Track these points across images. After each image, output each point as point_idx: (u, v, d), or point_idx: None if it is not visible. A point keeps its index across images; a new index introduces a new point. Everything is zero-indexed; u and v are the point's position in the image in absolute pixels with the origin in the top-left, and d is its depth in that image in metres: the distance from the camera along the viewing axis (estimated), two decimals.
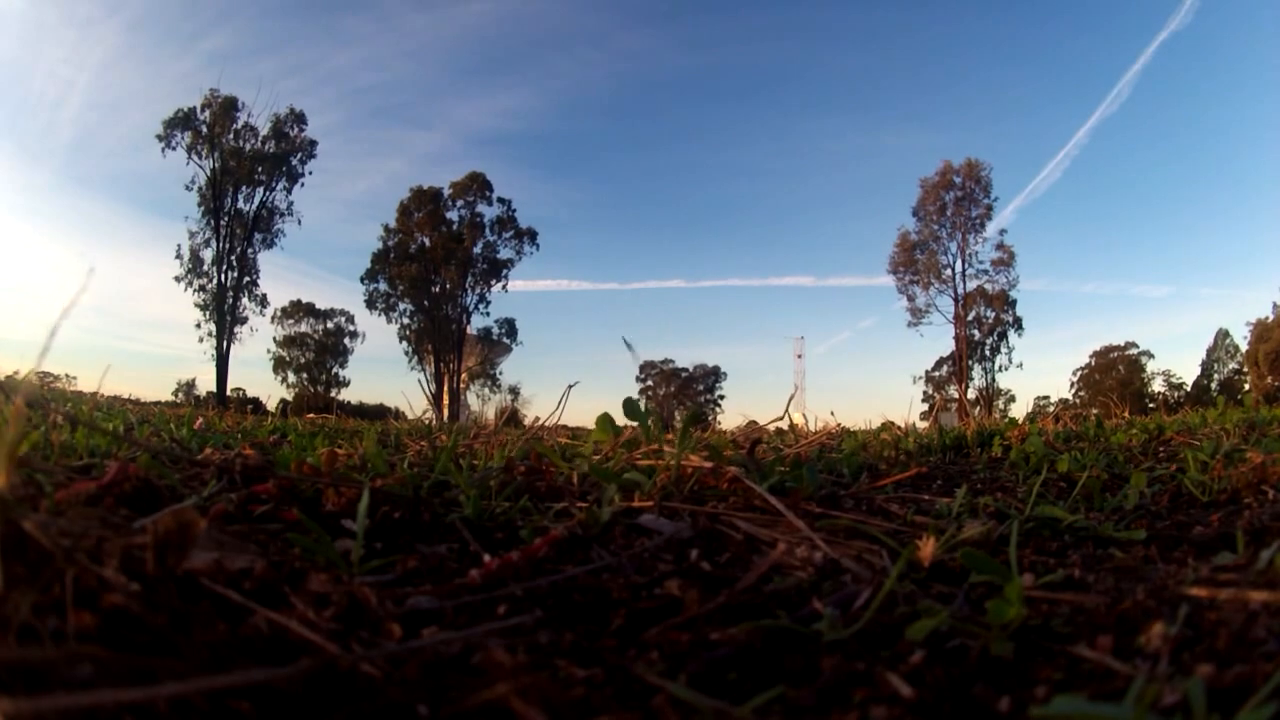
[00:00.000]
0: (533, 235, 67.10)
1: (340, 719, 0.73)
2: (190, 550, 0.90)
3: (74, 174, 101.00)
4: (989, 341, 69.36)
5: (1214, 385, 78.24)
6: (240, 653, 0.82)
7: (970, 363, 70.00)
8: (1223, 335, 79.79)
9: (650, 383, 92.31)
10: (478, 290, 66.38)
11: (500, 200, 67.15)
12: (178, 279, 59.59)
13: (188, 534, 0.89)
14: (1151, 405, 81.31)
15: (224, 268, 60.25)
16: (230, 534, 1.31)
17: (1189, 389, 79.96)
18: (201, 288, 59.81)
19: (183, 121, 60.56)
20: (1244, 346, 77.72)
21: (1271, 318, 75.22)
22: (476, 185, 66.44)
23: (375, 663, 0.83)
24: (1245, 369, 77.36)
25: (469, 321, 66.75)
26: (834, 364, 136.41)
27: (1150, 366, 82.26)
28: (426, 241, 65.57)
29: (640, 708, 0.80)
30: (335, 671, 0.78)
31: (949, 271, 65.31)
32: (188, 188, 60.36)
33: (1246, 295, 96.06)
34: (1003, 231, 61.37)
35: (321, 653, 0.84)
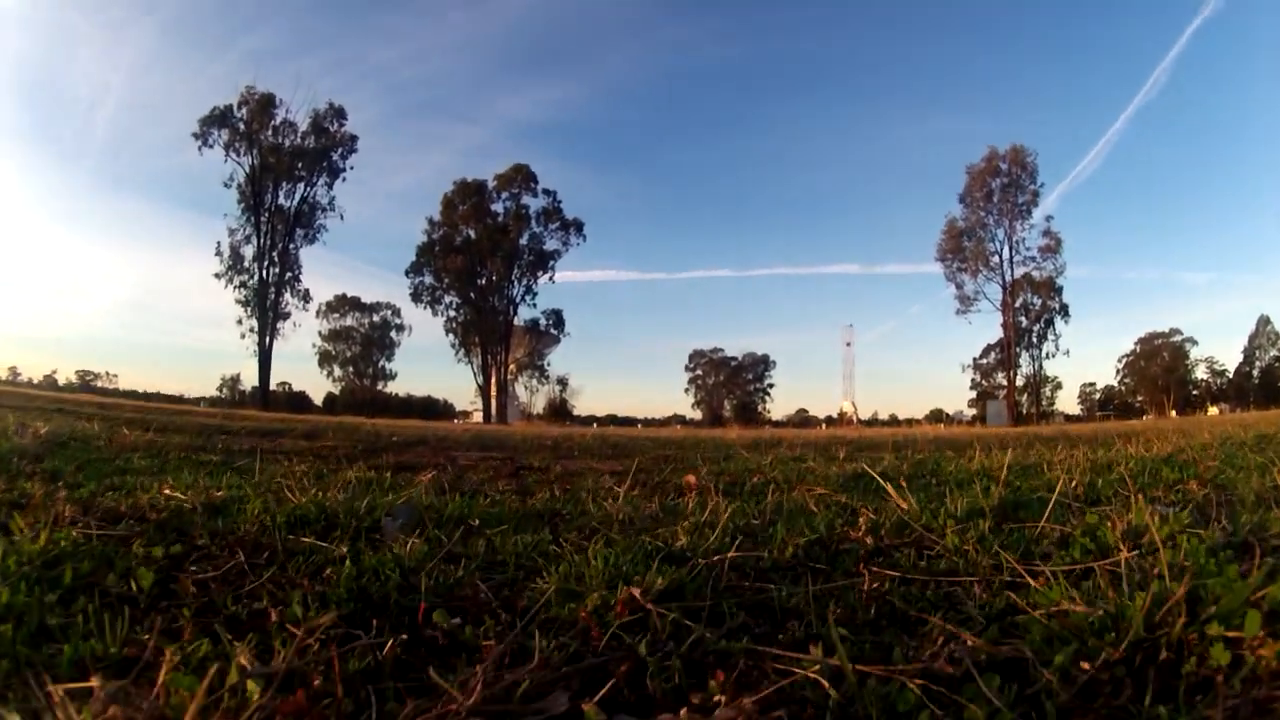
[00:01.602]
0: (579, 226, 65.30)
1: None
2: None
3: (112, 174, 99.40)
4: (1036, 328, 67.78)
5: (1255, 373, 76.43)
6: None
7: (1017, 350, 68.32)
8: (1264, 322, 78.32)
9: (699, 372, 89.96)
10: (524, 282, 64.67)
11: (545, 192, 65.40)
12: (218, 276, 57.98)
13: None
14: (1195, 392, 79.92)
15: (265, 264, 58.52)
16: None
17: (1231, 376, 78.31)
18: (243, 284, 58.13)
19: (219, 119, 58.30)
20: None
21: None
22: (521, 177, 64.56)
23: None
24: None
25: (516, 313, 64.85)
26: (883, 351, 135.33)
27: (1194, 353, 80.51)
28: (472, 234, 63.66)
29: None
30: None
31: (996, 259, 63.72)
32: (226, 185, 58.45)
33: None
34: (1049, 218, 59.81)
35: None
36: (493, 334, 63.29)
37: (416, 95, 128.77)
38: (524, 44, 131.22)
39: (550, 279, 65.41)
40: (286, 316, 59.09)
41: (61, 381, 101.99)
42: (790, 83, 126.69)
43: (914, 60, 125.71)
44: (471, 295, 63.23)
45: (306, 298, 60.47)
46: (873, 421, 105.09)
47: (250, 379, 68.24)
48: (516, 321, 65.33)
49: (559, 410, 70.08)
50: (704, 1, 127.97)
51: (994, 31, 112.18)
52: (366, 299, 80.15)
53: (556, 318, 67.07)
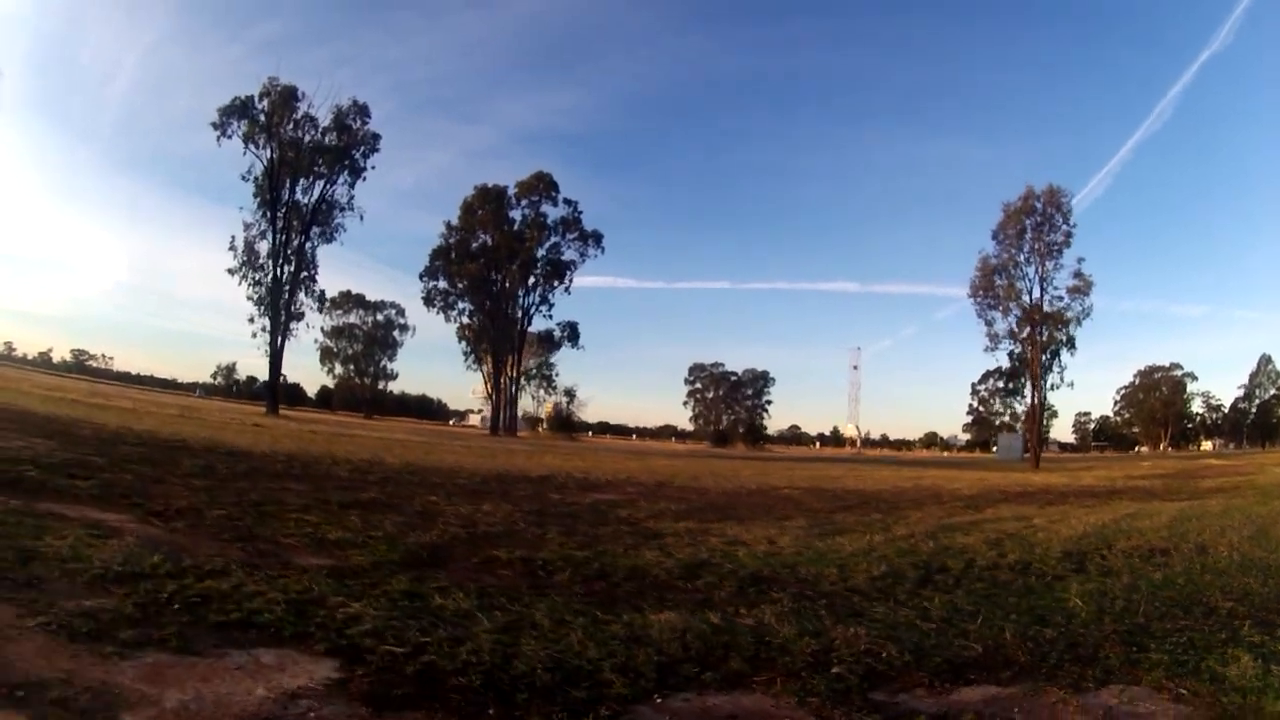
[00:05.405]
0: (598, 238, 63.29)
1: None
2: None
3: (118, 153, 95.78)
4: (1043, 359, 66.51)
5: (1253, 409, 75.07)
6: None
7: (1021, 380, 66.94)
8: (1265, 361, 77.13)
9: (699, 385, 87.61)
10: (539, 290, 62.34)
11: (566, 201, 63.36)
12: (231, 272, 54.92)
13: None
14: (1190, 426, 78.76)
15: (280, 262, 55.35)
16: None
17: (1226, 411, 77.06)
18: (257, 281, 55.03)
19: (240, 110, 55.13)
20: None
21: None
22: (542, 185, 62.29)
23: None
24: None
25: (530, 322, 62.67)
26: (878, 370, 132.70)
27: (1191, 388, 79.00)
28: (489, 240, 61.24)
29: None
30: None
31: (1027, 298, 61.79)
32: (244, 178, 55.10)
33: None
34: (1080, 259, 57.43)
35: None
36: (505, 342, 61.23)
37: (424, 93, 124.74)
38: (534, 48, 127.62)
39: (566, 289, 63.38)
40: (300, 317, 56.54)
41: (56, 360, 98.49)
42: (797, 98, 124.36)
43: (921, 82, 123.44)
44: (486, 302, 61.09)
45: (322, 299, 58.01)
46: (867, 441, 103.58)
47: (246, 369, 66.61)
48: (530, 330, 63.41)
49: (565, 422, 68.03)
50: (718, 13, 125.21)
51: (1003, 56, 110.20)
52: (370, 296, 77.82)
53: (571, 330, 64.93)
